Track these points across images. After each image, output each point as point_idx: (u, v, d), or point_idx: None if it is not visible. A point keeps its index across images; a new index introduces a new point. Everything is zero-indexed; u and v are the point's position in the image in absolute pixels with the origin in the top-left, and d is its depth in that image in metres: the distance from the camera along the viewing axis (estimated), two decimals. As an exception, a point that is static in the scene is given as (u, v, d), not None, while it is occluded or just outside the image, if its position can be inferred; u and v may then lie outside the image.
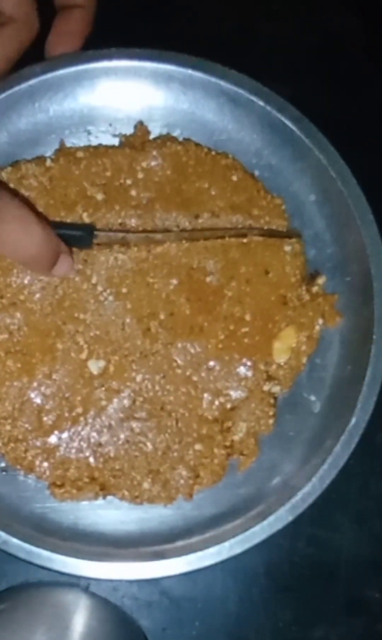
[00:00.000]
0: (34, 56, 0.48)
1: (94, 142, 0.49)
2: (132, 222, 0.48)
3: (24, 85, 0.48)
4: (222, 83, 0.48)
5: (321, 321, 0.49)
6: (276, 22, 0.58)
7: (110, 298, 0.47)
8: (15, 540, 0.45)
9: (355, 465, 0.47)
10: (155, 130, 0.50)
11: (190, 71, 0.48)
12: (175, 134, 0.50)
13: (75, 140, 0.49)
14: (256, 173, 0.50)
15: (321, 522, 0.52)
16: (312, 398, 0.49)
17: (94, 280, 0.47)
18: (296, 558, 0.52)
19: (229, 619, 0.52)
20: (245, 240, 0.48)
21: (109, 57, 0.48)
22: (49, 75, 0.48)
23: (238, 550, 0.45)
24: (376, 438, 0.53)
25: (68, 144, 0.49)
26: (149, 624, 0.51)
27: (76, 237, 0.46)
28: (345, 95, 0.57)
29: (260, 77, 0.48)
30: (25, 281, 0.47)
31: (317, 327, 0.49)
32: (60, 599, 0.47)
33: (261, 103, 0.48)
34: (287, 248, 0.49)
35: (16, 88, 0.47)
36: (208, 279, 0.48)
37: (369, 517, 0.53)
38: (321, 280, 0.49)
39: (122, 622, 0.49)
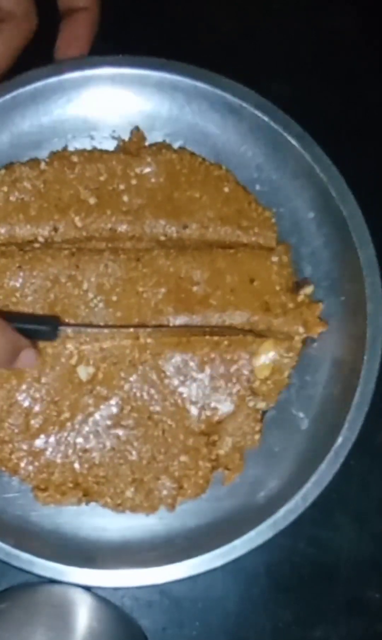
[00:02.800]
0: (39, 58, 0.48)
1: (97, 147, 0.49)
2: (122, 228, 0.48)
3: (28, 88, 0.48)
4: (227, 96, 0.48)
5: (301, 330, 0.48)
6: (276, 21, 0.58)
7: (101, 305, 0.47)
8: (-5, 542, 0.45)
9: (355, 466, 0.47)
10: (157, 140, 0.50)
11: (195, 82, 0.48)
12: (178, 144, 0.50)
13: (78, 145, 0.49)
14: (257, 187, 0.50)
15: (322, 522, 0.52)
16: (301, 415, 0.49)
17: (85, 287, 0.47)
18: (296, 558, 0.52)
19: (229, 619, 0.51)
20: (232, 251, 0.48)
21: (115, 64, 0.48)
22: (55, 79, 0.48)
23: (218, 563, 0.45)
24: (376, 438, 0.53)
25: (70, 148, 0.49)
26: (149, 624, 0.51)
27: (40, 331, 0.46)
28: (345, 95, 0.57)
29: (260, 77, 0.48)
30: (17, 284, 0.47)
31: (297, 338, 0.48)
32: (60, 599, 0.47)
33: (265, 118, 0.48)
34: (274, 258, 0.48)
35: (21, 90, 0.48)
36: (194, 289, 0.48)
37: (369, 517, 0.53)
38: (308, 289, 0.49)
39: (122, 622, 0.48)
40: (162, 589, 0.51)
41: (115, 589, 0.50)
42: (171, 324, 0.47)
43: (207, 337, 0.48)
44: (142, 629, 0.50)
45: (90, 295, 0.47)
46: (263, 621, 0.52)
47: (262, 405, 0.48)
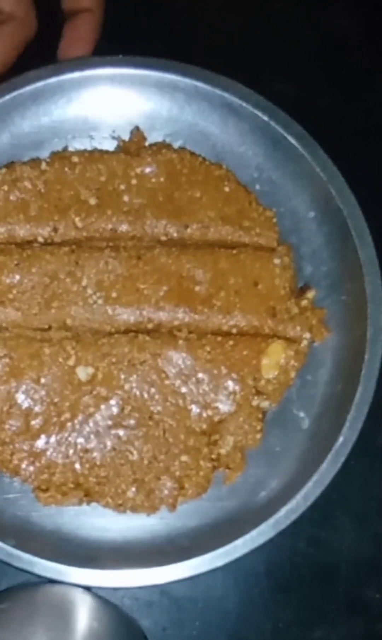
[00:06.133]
0: (39, 58, 0.48)
1: (97, 147, 0.49)
2: (123, 229, 0.48)
3: (28, 88, 0.48)
4: (227, 96, 0.48)
5: (308, 335, 0.48)
6: (278, 21, 0.58)
7: (100, 301, 0.47)
8: (-5, 543, 0.45)
9: (355, 466, 0.47)
10: (157, 140, 0.50)
11: (195, 82, 0.48)
12: (178, 144, 0.50)
13: (78, 145, 0.50)
14: (257, 187, 0.50)
15: (322, 522, 0.52)
16: (302, 414, 0.49)
17: (84, 283, 0.47)
18: (296, 558, 0.52)
19: (229, 619, 0.51)
20: (234, 251, 0.48)
21: (115, 64, 0.48)
22: (54, 80, 0.48)
23: (220, 562, 0.45)
24: (376, 438, 0.53)
25: (70, 149, 0.49)
26: (149, 624, 0.51)
27: None
28: (346, 95, 0.57)
29: (261, 77, 0.49)
30: (15, 281, 0.47)
31: (304, 342, 0.48)
32: (60, 599, 0.46)
33: (265, 118, 0.48)
34: (277, 261, 0.48)
35: (21, 90, 0.48)
36: (197, 288, 0.48)
37: (370, 518, 0.53)
38: (310, 294, 0.49)
39: (122, 622, 0.48)
40: (162, 589, 0.51)
41: (116, 589, 0.50)
42: (173, 321, 0.47)
43: (210, 336, 0.48)
44: (142, 629, 0.50)
45: (90, 291, 0.47)
46: (263, 621, 0.51)
47: (265, 404, 0.48)
